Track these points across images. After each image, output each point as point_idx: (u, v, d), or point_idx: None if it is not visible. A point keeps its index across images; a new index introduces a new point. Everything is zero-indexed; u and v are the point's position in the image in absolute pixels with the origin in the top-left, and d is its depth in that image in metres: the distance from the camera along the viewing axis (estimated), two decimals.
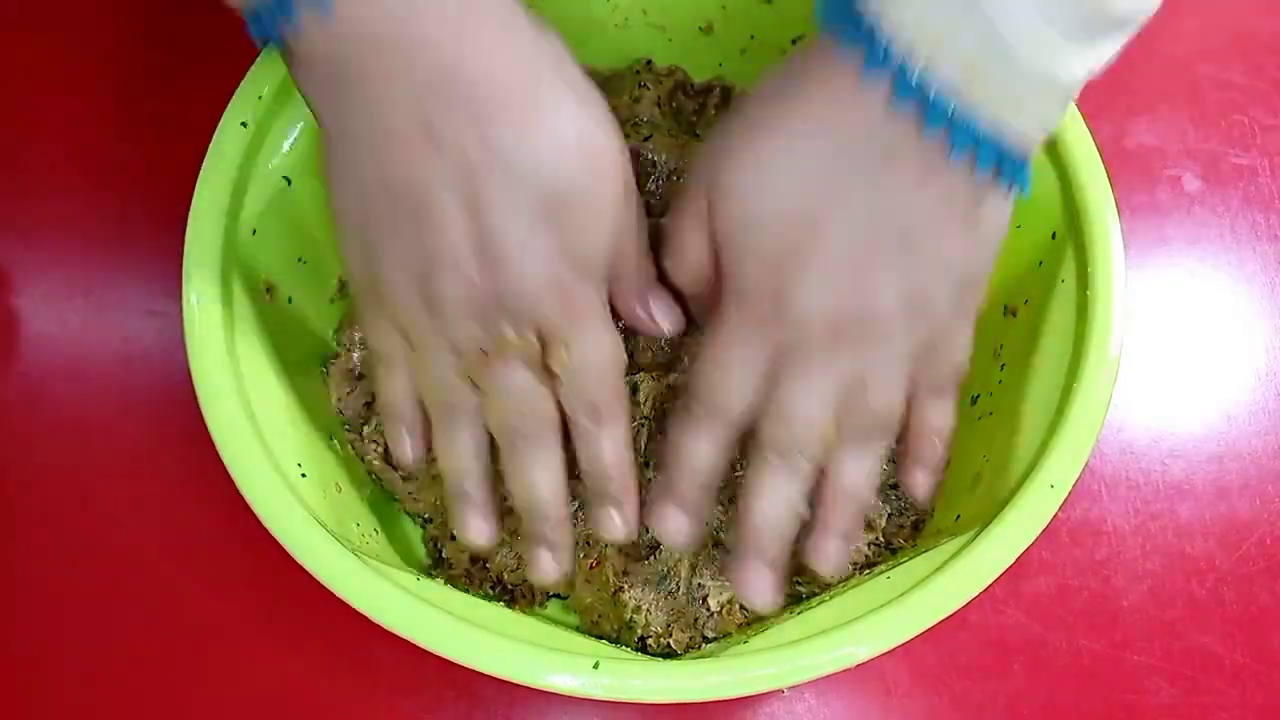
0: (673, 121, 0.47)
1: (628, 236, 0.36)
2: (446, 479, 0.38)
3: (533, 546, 0.37)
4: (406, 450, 0.39)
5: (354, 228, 0.34)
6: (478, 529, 0.38)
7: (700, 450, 0.36)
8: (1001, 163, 0.31)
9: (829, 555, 0.36)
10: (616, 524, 0.37)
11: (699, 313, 0.40)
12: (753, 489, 0.35)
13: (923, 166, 0.31)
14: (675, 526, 0.37)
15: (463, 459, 0.37)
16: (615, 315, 0.38)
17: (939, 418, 0.37)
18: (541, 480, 0.36)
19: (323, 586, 0.33)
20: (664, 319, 0.40)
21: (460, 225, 0.32)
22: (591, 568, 0.41)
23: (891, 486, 0.43)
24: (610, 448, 0.36)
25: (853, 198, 0.32)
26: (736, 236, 0.34)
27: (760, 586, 0.36)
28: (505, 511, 0.39)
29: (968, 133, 0.30)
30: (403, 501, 0.43)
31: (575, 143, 0.33)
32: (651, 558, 0.41)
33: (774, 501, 0.35)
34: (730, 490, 0.43)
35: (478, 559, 0.42)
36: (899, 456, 0.39)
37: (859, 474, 0.36)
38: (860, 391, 0.34)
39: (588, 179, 0.33)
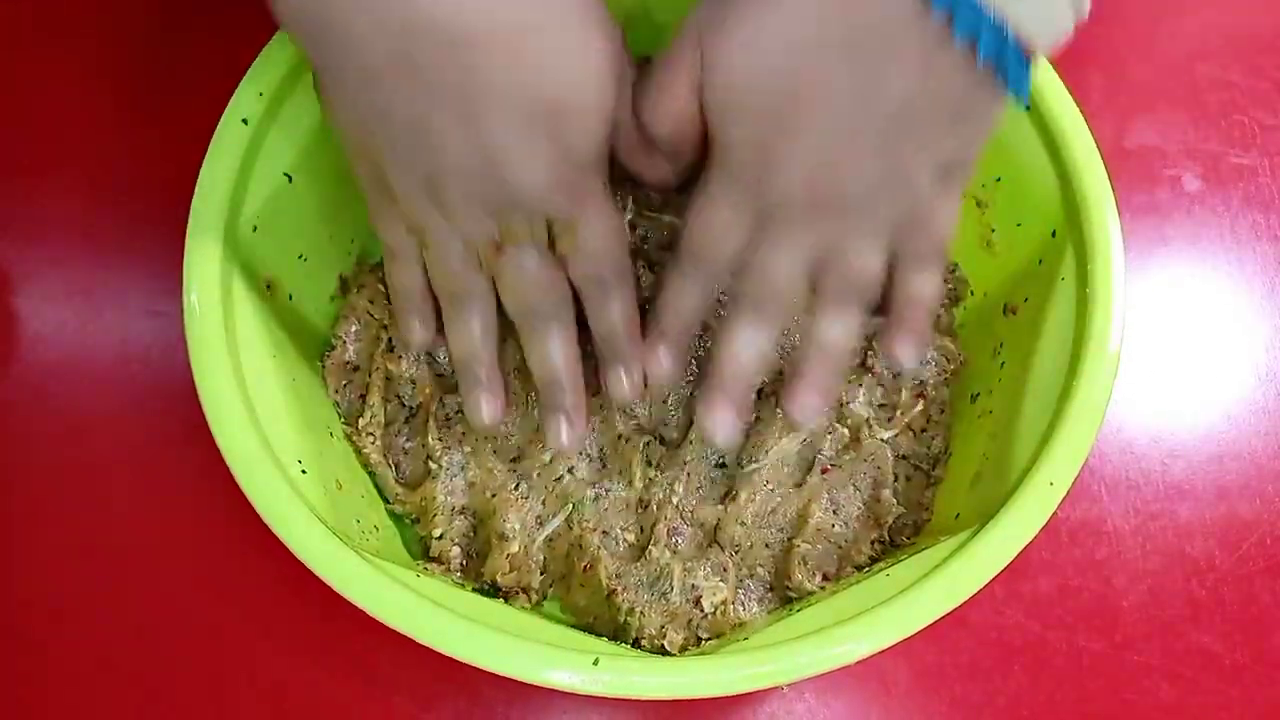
0: None
1: (623, 110, 0.37)
2: (456, 364, 0.41)
3: (550, 415, 0.40)
4: (416, 335, 0.42)
5: (357, 147, 0.37)
6: (488, 407, 0.41)
7: (687, 300, 0.39)
8: (1001, 56, 0.31)
9: (805, 405, 0.39)
10: (624, 384, 0.40)
11: (677, 171, 0.41)
12: (727, 337, 0.38)
13: (921, 51, 0.31)
14: (666, 365, 0.40)
15: (473, 342, 0.40)
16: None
17: (922, 287, 0.38)
18: (557, 353, 0.39)
19: (323, 584, 0.33)
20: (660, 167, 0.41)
21: (461, 142, 0.33)
22: (584, 570, 0.41)
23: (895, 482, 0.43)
24: (619, 311, 0.39)
25: (844, 77, 0.32)
26: (726, 106, 0.34)
27: (723, 420, 0.38)
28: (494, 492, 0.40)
29: (972, 16, 0.30)
30: (391, 501, 0.43)
31: (561, 61, 0.33)
32: (643, 559, 0.41)
33: (745, 348, 0.38)
34: (725, 485, 0.43)
35: (469, 560, 0.43)
36: (883, 327, 0.40)
37: (836, 334, 0.38)
38: (837, 257, 0.36)
39: (578, 93, 0.34)
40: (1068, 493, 0.35)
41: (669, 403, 0.44)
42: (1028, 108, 0.41)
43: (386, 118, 0.33)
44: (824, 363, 0.39)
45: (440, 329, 0.41)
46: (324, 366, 0.44)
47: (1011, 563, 0.34)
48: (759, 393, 0.44)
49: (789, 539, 0.42)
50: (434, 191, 0.35)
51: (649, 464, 0.42)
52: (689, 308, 0.39)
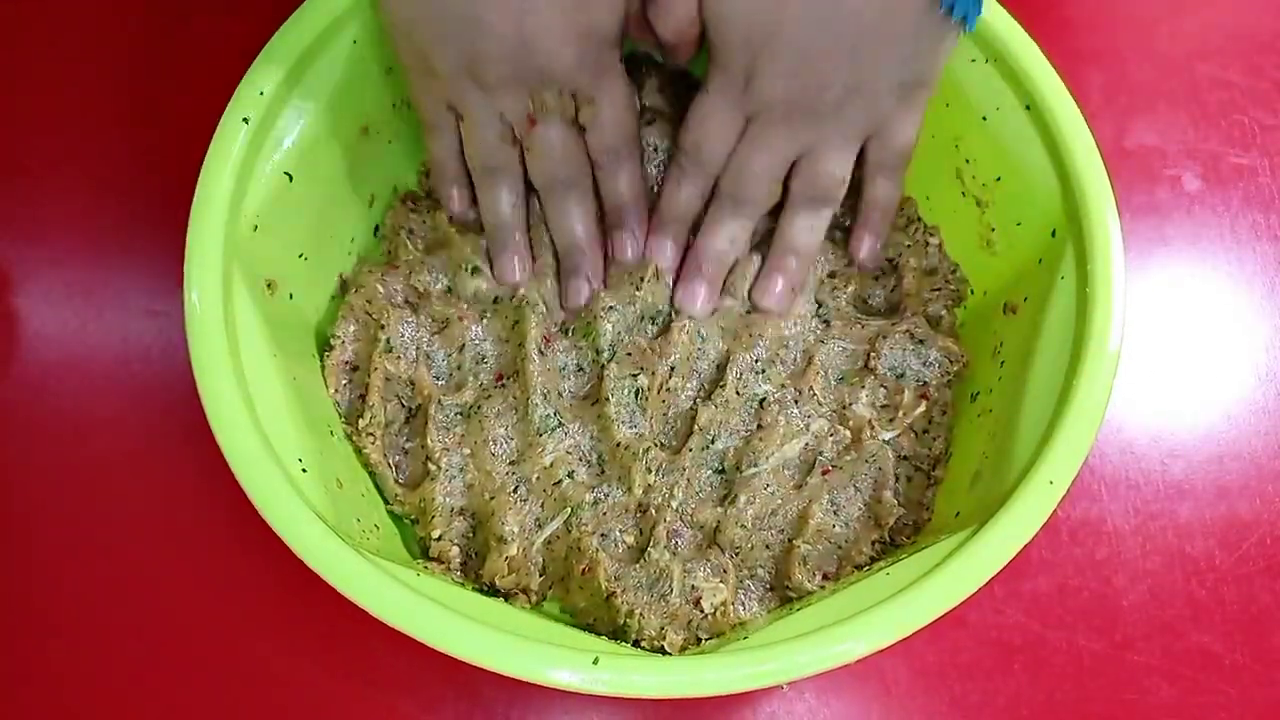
0: (674, 109, 0.48)
1: None
2: (488, 231, 0.46)
3: (571, 278, 0.46)
4: (455, 202, 0.46)
5: (407, 37, 0.41)
6: (515, 267, 0.46)
7: (682, 194, 0.45)
8: None
9: (774, 291, 0.45)
10: (629, 248, 0.45)
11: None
12: (707, 228, 0.45)
13: None
14: (665, 252, 0.46)
15: (505, 210, 0.45)
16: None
17: (884, 192, 0.45)
18: (578, 219, 0.45)
19: (323, 583, 0.33)
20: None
21: (504, 27, 0.39)
22: (583, 572, 0.41)
23: (897, 482, 0.43)
24: (627, 180, 0.45)
25: (814, 2, 0.38)
26: (722, 19, 0.40)
27: (697, 293, 0.45)
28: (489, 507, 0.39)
29: None
30: (390, 501, 0.43)
31: None
32: (642, 561, 0.41)
33: (721, 237, 0.45)
34: (724, 489, 0.43)
35: (468, 561, 0.42)
36: (850, 229, 0.47)
37: (805, 232, 0.45)
38: (810, 161, 0.43)
39: None
40: (1067, 492, 0.35)
41: (669, 415, 0.44)
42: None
43: (441, 9, 0.39)
44: (793, 255, 0.45)
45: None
46: (323, 366, 0.44)
47: (1011, 562, 0.34)
48: (761, 402, 0.44)
49: (789, 540, 0.42)
50: (475, 71, 0.40)
51: (649, 470, 0.42)
52: (684, 200, 0.45)
